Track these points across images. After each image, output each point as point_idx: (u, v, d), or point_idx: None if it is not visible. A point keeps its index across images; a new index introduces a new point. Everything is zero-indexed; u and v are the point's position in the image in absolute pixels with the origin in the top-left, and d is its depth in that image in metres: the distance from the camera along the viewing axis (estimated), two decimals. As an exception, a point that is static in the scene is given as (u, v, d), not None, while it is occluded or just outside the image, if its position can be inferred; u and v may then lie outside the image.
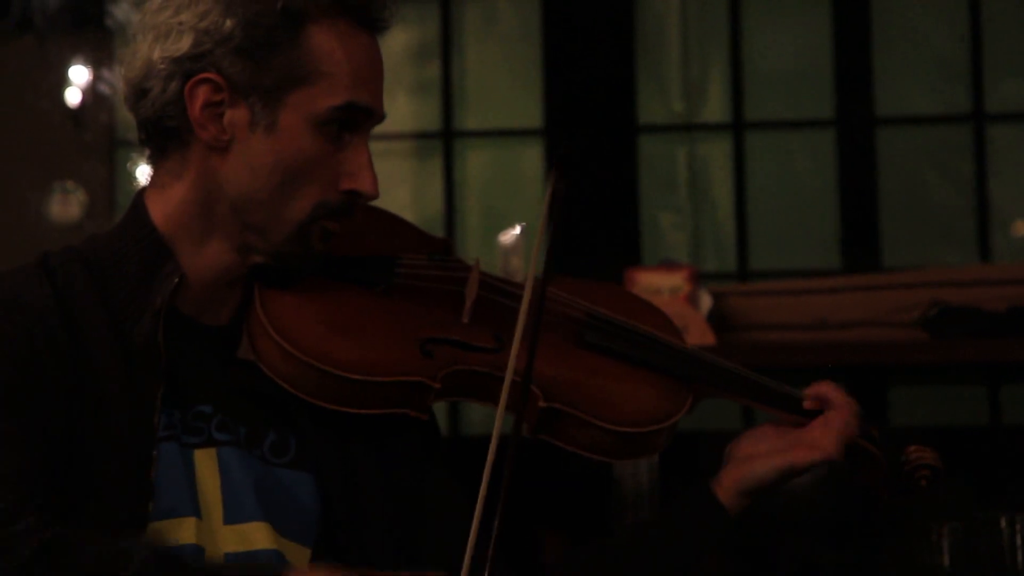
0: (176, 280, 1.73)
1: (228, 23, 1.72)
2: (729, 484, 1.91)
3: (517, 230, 3.72)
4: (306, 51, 1.73)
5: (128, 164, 4.60)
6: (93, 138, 4.55)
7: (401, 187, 4.62)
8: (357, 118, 1.76)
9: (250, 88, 1.73)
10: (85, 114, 4.51)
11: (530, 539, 1.63)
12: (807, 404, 1.92)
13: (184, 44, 1.73)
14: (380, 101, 1.79)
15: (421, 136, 4.70)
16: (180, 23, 1.73)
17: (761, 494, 1.91)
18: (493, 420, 1.69)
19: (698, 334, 3.35)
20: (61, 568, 1.52)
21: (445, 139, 4.69)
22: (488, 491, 1.62)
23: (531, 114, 4.65)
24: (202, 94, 1.73)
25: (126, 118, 4.67)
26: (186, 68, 1.73)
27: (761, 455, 1.90)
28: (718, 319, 3.50)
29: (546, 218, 1.72)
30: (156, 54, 1.74)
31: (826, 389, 1.93)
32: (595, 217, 4.51)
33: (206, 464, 1.74)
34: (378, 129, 1.86)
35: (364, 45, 1.77)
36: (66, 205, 4.56)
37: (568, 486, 3.80)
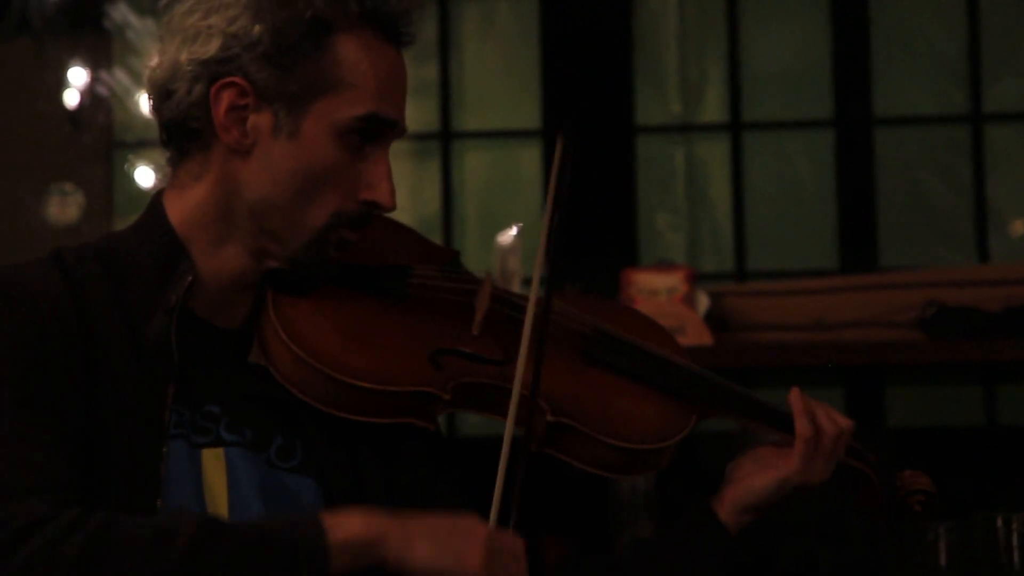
0: (190, 279, 1.74)
1: (256, 28, 1.73)
2: (729, 503, 1.95)
3: (515, 231, 3.71)
4: (332, 60, 1.74)
5: (126, 166, 4.60)
6: (91, 140, 4.54)
7: (399, 188, 4.59)
8: (379, 129, 1.77)
9: (275, 94, 1.74)
10: (83, 116, 4.50)
11: (530, 545, 1.63)
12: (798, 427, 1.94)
13: (212, 47, 1.74)
14: (403, 114, 1.80)
15: (419, 137, 4.70)
16: (209, 26, 1.74)
17: (759, 510, 1.94)
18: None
19: (695, 335, 3.35)
20: (114, 554, 1.52)
21: (443, 140, 4.69)
22: (500, 505, 1.63)
23: (529, 115, 4.65)
24: (227, 97, 1.74)
25: (124, 119, 4.70)
26: (212, 71, 1.74)
27: (758, 472, 1.93)
28: (715, 319, 3.50)
29: (554, 197, 1.73)
30: (183, 56, 1.75)
31: (815, 411, 1.95)
32: (592, 218, 4.51)
33: (213, 464, 1.75)
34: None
35: (389, 58, 1.78)
36: (64, 207, 4.56)
37: (565, 490, 3.80)
